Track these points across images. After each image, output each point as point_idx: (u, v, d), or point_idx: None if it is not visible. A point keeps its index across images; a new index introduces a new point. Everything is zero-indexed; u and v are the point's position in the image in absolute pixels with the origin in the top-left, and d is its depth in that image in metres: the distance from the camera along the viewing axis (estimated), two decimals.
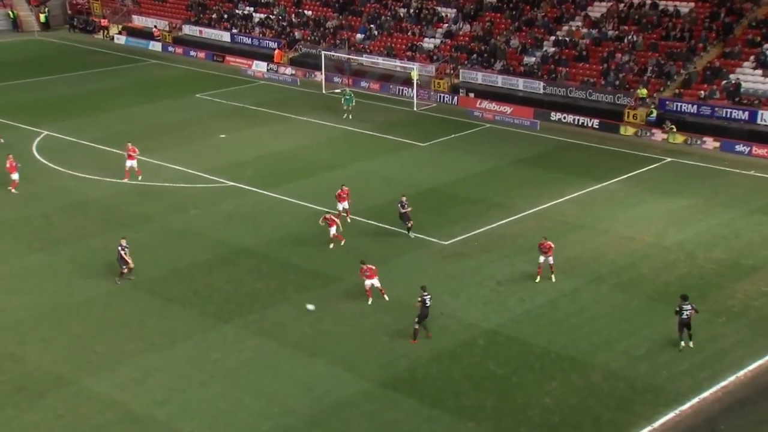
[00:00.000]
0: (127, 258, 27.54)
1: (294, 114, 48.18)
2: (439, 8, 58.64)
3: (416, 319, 24.23)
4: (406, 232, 31.10)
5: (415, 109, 49.76)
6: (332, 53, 55.52)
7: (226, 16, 66.07)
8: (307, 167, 38.87)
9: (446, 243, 31.01)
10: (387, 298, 26.43)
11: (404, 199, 31.06)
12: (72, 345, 24.17)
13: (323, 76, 54.04)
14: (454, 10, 57.84)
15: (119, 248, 27.61)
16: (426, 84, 51.89)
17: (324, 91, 53.17)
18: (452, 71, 53.08)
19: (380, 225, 31.91)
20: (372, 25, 59.31)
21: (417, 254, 30.13)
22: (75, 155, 39.51)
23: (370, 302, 26.31)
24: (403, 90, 52.41)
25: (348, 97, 48.11)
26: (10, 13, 72.20)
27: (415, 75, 50.23)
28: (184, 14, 68.65)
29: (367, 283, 26.31)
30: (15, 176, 35.38)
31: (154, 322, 25.48)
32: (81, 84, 54.92)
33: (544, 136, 44.75)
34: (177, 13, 69.25)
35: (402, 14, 59.51)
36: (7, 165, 35.47)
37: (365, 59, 55.81)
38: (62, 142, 41.52)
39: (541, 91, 49.23)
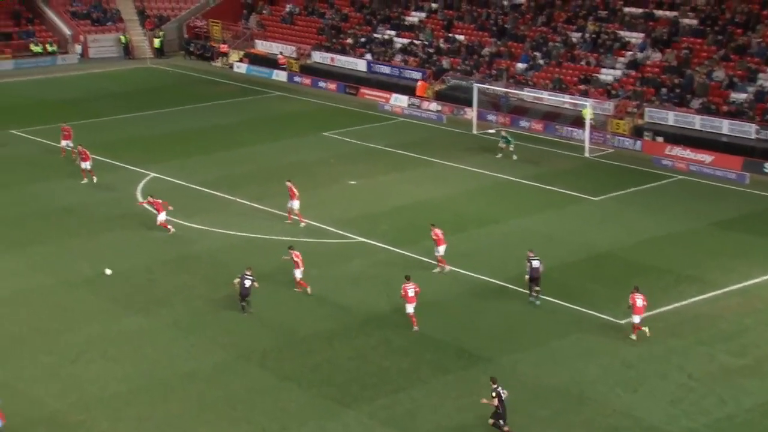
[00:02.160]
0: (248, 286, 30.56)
1: (438, 158, 48.62)
2: (622, 32, 58.11)
3: (491, 419, 23.89)
4: (531, 297, 31.31)
5: (586, 154, 49.23)
6: (487, 86, 55.87)
7: (363, 40, 67.94)
8: (454, 222, 38.93)
9: (623, 322, 30.22)
10: (417, 329, 29.15)
11: (531, 253, 31.56)
12: (170, 426, 24.86)
13: (475, 113, 54.38)
14: (642, 35, 57.14)
15: (247, 278, 30.50)
16: (602, 125, 51.31)
17: (475, 131, 53.46)
18: (636, 109, 52.26)
19: (541, 296, 31.49)
20: (537, 53, 59.43)
21: (585, 334, 29.52)
22: (183, 201, 41.20)
23: (415, 329, 28.99)
24: (572, 132, 52.00)
25: (507, 138, 48.29)
26: (122, 38, 77.06)
27: (588, 113, 49.77)
28: (315, 39, 71.10)
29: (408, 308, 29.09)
30: (162, 217, 37.95)
31: (264, 403, 25.89)
32: (194, 119, 57.64)
33: (756, 192, 43.41)
34: (306, 38, 71.81)
35: (575, 40, 59.38)
36: (154, 204, 38.17)
37: (527, 93, 55.84)
38: (169, 185, 43.52)
39: (753, 136, 47.91)
